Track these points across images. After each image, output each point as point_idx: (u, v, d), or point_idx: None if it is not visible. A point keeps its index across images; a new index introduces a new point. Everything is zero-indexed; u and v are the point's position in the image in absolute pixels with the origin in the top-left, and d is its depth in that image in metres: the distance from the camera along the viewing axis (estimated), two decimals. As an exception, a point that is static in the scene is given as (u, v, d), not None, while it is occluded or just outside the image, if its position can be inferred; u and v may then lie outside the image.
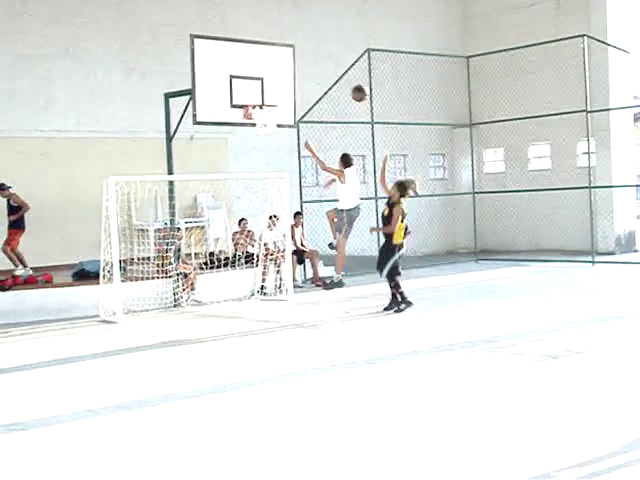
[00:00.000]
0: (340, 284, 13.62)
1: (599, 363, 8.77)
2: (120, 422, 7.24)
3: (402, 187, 12.85)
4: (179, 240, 14.93)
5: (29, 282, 14.36)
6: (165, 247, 14.64)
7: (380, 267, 12.89)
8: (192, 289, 14.83)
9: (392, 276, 12.82)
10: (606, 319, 11.40)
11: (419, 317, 12.46)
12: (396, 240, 12.76)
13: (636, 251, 21.74)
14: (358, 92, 13.59)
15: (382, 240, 13.71)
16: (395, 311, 12.76)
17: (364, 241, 18.84)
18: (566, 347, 9.55)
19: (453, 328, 11.32)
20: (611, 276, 16.87)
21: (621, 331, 10.61)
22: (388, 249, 12.86)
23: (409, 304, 12.81)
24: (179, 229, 15.55)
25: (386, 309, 12.94)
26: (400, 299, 12.85)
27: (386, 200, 13.15)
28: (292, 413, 7.31)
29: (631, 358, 8.97)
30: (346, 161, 13.84)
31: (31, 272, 14.67)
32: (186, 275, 14.75)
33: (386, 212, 12.93)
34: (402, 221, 12.75)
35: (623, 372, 8.22)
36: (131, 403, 7.87)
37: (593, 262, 18.83)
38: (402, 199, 12.81)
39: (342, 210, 13.68)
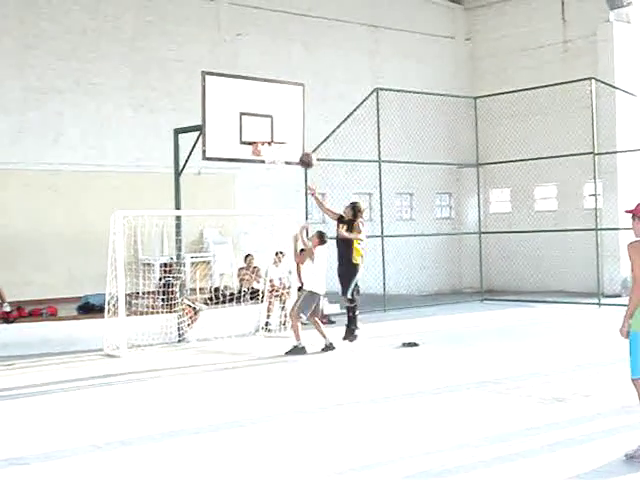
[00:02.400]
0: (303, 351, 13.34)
1: (606, 407, 8.69)
2: (123, 458, 7.18)
3: (356, 209, 13.48)
4: (178, 274, 14.87)
5: (34, 314, 14.34)
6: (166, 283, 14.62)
7: (345, 291, 13.23)
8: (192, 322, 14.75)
9: (353, 298, 13.04)
10: (612, 362, 11.30)
11: (423, 358, 12.39)
12: (355, 259, 13.10)
13: (642, 294, 21.62)
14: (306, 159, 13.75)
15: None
16: (350, 340, 12.97)
17: (370, 279, 18.84)
18: (573, 390, 9.48)
19: (458, 369, 11.24)
20: (617, 319, 16.72)
21: (626, 374, 10.50)
22: (348, 270, 13.11)
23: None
24: (171, 265, 15.44)
25: (345, 339, 13.23)
26: (353, 325, 12.97)
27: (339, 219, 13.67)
28: (297, 453, 7.25)
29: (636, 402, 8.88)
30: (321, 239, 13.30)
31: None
32: (196, 311, 14.73)
33: (343, 228, 13.41)
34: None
35: (630, 417, 8.13)
36: (134, 439, 7.81)
37: (599, 304, 18.76)
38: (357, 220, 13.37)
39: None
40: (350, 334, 13.45)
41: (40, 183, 17.69)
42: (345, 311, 13.76)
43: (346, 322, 13.57)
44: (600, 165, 20.10)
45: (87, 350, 13.60)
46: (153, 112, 19.39)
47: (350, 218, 13.59)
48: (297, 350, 12.84)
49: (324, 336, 13.04)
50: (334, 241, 13.90)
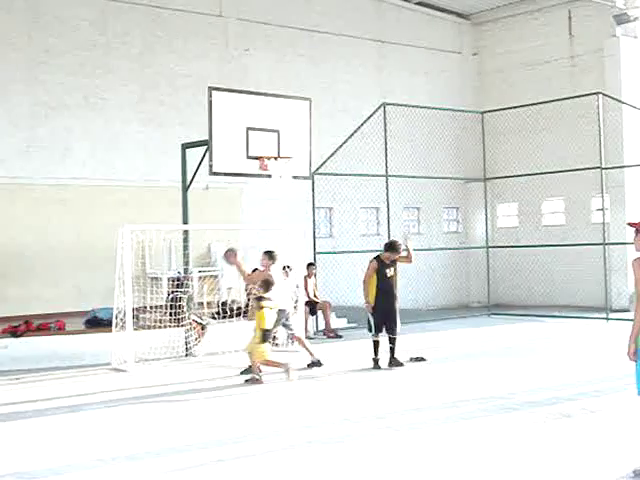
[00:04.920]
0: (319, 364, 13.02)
1: (613, 423, 8.67)
2: (130, 473, 7.18)
3: (392, 246, 13.08)
4: (186, 289, 14.90)
5: (42, 329, 14.36)
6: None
7: (394, 327, 12.99)
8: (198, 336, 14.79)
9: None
10: (620, 377, 11.26)
11: (431, 372, 12.38)
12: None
13: (650, 308, 21.52)
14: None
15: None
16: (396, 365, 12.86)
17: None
18: (580, 406, 9.45)
19: (466, 384, 11.22)
20: (625, 333, 16.67)
21: (635, 390, 10.46)
22: (396, 308, 13.04)
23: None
24: (179, 279, 15.49)
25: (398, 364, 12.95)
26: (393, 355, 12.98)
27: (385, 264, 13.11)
28: (304, 468, 7.24)
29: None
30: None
31: None
32: (203, 326, 14.75)
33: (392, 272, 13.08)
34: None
35: (636, 433, 8.11)
36: (141, 454, 7.81)
37: (607, 319, 18.72)
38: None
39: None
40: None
41: (48, 197, 17.77)
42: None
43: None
44: (607, 179, 20.09)
45: (95, 364, 13.62)
46: (161, 127, 19.48)
47: (390, 257, 12.96)
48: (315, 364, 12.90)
49: (310, 353, 13.00)
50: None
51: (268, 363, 11.84)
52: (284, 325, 13.20)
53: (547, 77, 23.79)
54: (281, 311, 12.80)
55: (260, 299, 12.07)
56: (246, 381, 11.75)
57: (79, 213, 18.09)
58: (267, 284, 12.21)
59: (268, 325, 11.87)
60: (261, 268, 13.05)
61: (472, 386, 10.99)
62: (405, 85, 23.92)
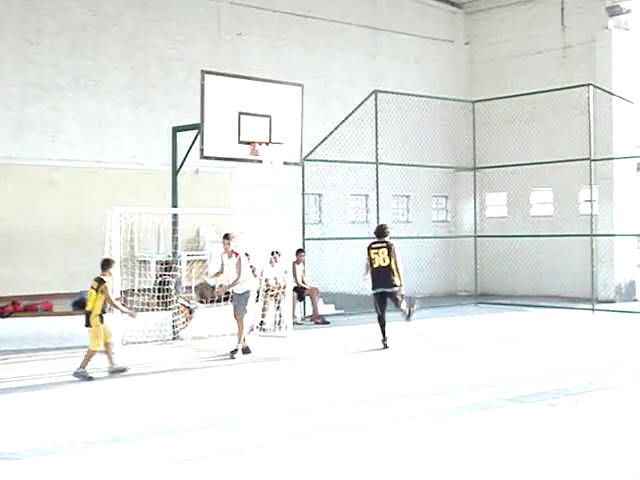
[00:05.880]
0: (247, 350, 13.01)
1: (597, 412, 8.75)
2: (115, 455, 7.22)
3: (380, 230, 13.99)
4: (174, 272, 14.90)
5: (29, 310, 14.36)
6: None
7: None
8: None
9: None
10: (605, 367, 11.38)
11: (417, 360, 12.45)
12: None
13: (636, 300, 21.69)
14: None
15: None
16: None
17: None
18: (565, 395, 9.53)
19: (452, 372, 11.30)
20: (611, 324, 16.84)
21: (619, 380, 10.58)
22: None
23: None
24: (168, 262, 15.52)
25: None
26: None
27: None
28: (288, 452, 7.29)
29: (629, 408, 8.95)
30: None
31: None
32: (191, 310, 14.77)
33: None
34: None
35: (620, 422, 8.20)
36: (127, 436, 7.85)
37: (593, 310, 18.82)
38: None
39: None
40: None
41: (38, 179, 17.71)
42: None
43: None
44: (596, 171, 20.16)
45: (82, 346, 13.51)
46: (152, 110, 19.42)
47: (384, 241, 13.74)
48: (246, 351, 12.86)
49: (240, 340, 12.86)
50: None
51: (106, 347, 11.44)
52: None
53: (539, 67, 23.81)
54: (245, 292, 13.02)
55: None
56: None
57: (69, 195, 18.04)
58: (104, 263, 11.83)
59: (91, 307, 11.46)
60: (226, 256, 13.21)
61: (458, 374, 11.06)
62: (397, 73, 23.91)
